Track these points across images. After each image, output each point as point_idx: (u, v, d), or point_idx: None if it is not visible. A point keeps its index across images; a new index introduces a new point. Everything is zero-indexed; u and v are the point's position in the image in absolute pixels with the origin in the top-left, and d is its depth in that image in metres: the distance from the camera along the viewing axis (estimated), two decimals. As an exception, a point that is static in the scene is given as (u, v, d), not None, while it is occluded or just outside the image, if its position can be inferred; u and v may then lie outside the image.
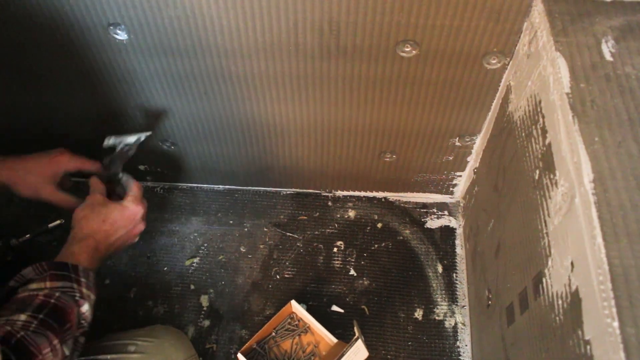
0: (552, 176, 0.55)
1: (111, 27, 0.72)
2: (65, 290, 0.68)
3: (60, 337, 0.64)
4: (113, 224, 0.80)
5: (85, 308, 0.70)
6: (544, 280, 0.56)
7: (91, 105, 0.88)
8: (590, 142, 0.49)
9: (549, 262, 0.55)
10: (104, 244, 0.78)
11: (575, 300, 0.48)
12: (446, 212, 1.09)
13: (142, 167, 1.07)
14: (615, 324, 0.41)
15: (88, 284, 0.72)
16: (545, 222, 0.57)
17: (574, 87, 0.53)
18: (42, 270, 0.68)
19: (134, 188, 0.84)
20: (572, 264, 0.49)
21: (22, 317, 0.62)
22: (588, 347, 0.45)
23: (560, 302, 0.51)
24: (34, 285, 0.66)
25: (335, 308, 0.98)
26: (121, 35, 0.73)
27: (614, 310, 0.41)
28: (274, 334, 0.95)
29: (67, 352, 0.65)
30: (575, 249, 0.48)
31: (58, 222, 0.95)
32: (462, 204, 1.08)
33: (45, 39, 0.74)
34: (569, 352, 0.49)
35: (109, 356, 0.78)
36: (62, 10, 0.70)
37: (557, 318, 0.52)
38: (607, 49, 0.56)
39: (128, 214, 0.82)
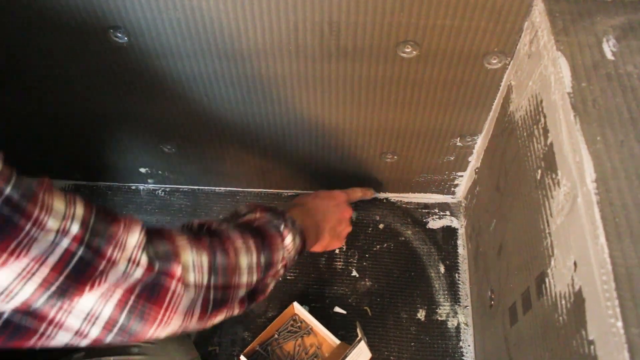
0: (554, 176, 0.55)
1: (111, 31, 0.72)
2: (271, 221, 0.69)
3: (259, 247, 0.64)
4: (326, 205, 0.85)
5: (288, 240, 0.69)
6: (546, 280, 0.56)
7: (92, 108, 0.89)
8: (592, 142, 0.49)
9: (552, 262, 0.55)
10: (317, 216, 0.82)
11: (578, 300, 0.48)
12: (448, 213, 1.09)
13: (143, 170, 1.07)
14: (619, 323, 0.40)
15: (294, 228, 0.71)
16: (547, 222, 0.56)
17: (576, 87, 0.53)
18: (254, 207, 0.71)
19: (359, 189, 0.98)
20: (575, 263, 0.49)
21: (224, 223, 0.65)
22: (592, 347, 0.45)
23: (563, 302, 0.51)
24: (245, 217, 0.70)
25: (337, 309, 0.98)
26: (121, 39, 0.73)
27: (618, 310, 0.41)
28: (276, 336, 0.95)
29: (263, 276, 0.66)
30: (578, 248, 0.48)
31: None
32: (463, 204, 1.08)
33: (46, 42, 0.75)
34: (572, 353, 0.48)
35: (111, 358, 0.78)
36: (63, 14, 0.70)
37: (561, 318, 0.52)
38: (609, 48, 0.56)
39: (341, 206, 0.88)
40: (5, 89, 0.85)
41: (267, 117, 0.88)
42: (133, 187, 1.13)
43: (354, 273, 1.02)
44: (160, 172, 1.07)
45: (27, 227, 0.42)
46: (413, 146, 0.93)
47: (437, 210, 1.09)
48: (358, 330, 0.85)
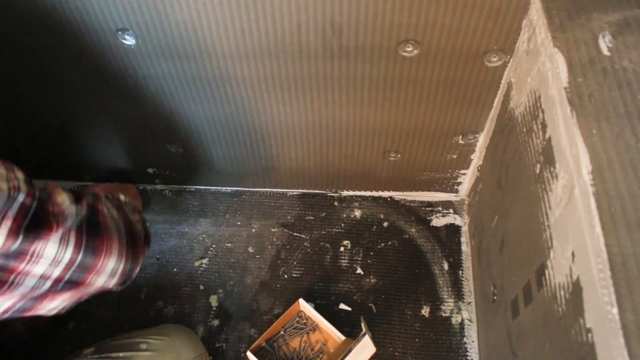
0: (552, 169, 0.56)
1: (119, 33, 0.74)
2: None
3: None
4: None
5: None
6: (546, 272, 0.57)
7: (100, 109, 0.90)
8: (588, 135, 0.50)
9: (551, 254, 0.56)
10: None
11: (576, 290, 0.49)
12: (451, 210, 1.10)
13: (150, 170, 1.09)
14: (615, 310, 0.42)
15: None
16: (546, 214, 0.58)
17: (572, 82, 0.54)
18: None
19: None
20: (572, 254, 0.50)
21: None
22: (589, 334, 0.46)
23: (562, 292, 0.52)
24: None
25: (342, 306, 0.99)
26: (129, 41, 0.75)
27: (614, 297, 0.42)
28: (282, 332, 0.96)
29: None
30: (576, 239, 0.49)
31: None
32: (466, 202, 1.09)
33: (55, 45, 0.76)
34: (571, 341, 0.50)
35: (121, 354, 0.80)
36: (72, 16, 0.72)
37: (560, 308, 0.53)
38: (605, 44, 0.57)
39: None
40: (15, 90, 0.87)
41: (271, 117, 0.89)
42: (141, 188, 1.15)
43: (359, 270, 1.03)
44: (167, 172, 1.09)
45: None
46: (416, 145, 0.95)
47: (440, 208, 1.10)
48: (362, 325, 0.86)
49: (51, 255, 0.58)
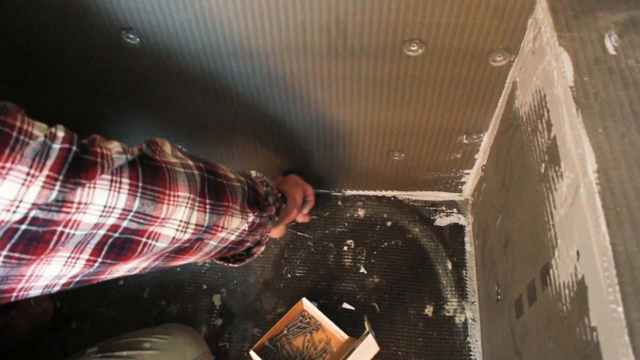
0: (557, 168, 0.56)
1: (124, 32, 0.74)
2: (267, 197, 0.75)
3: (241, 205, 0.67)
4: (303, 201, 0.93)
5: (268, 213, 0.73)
6: (551, 271, 0.57)
7: (105, 108, 0.91)
8: (594, 134, 0.50)
9: (556, 253, 0.56)
10: (291, 210, 0.88)
11: (581, 289, 0.49)
12: (455, 210, 1.10)
13: (154, 169, 1.09)
14: (620, 309, 0.41)
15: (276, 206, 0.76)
16: (551, 214, 0.58)
17: (578, 81, 0.54)
18: (263, 182, 0.77)
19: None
20: (577, 253, 0.50)
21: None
22: (594, 333, 0.46)
23: (567, 291, 0.52)
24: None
25: (346, 306, 0.99)
26: (133, 40, 0.75)
27: (619, 295, 0.42)
28: (285, 331, 0.96)
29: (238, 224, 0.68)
30: (581, 238, 0.49)
31: None
32: (470, 202, 1.09)
33: (59, 44, 0.77)
34: (575, 340, 0.49)
35: (124, 353, 0.80)
36: (76, 16, 0.72)
37: (564, 307, 0.53)
38: (610, 43, 0.57)
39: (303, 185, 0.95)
40: (19, 89, 0.87)
41: (275, 116, 0.89)
42: (144, 187, 1.15)
43: (362, 270, 1.03)
44: (171, 171, 1.09)
45: (15, 134, 0.45)
46: (420, 144, 0.95)
47: (444, 208, 1.10)
48: (366, 324, 0.86)
49: (101, 202, 0.50)
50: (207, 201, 0.60)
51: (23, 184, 0.44)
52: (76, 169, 0.48)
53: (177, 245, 0.59)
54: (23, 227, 0.45)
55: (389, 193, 1.12)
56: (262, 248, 0.77)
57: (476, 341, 0.94)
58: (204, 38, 0.74)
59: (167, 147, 0.60)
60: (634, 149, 0.49)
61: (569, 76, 0.54)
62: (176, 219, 0.56)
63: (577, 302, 0.50)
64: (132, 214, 0.52)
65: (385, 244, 1.06)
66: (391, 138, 0.93)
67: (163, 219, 0.55)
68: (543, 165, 0.61)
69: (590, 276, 0.47)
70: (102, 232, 0.51)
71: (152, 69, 0.80)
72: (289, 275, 1.03)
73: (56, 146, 0.47)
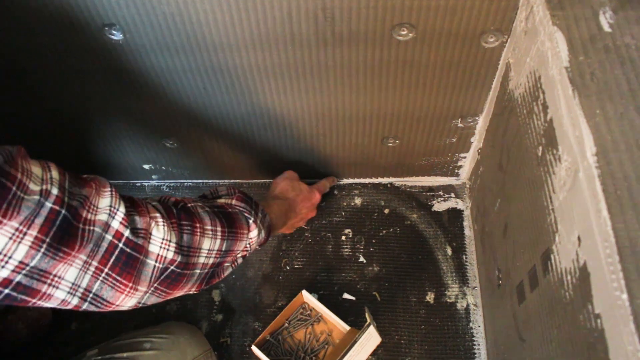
0: (555, 152, 0.54)
1: (106, 28, 0.72)
2: (243, 212, 0.72)
3: (224, 235, 0.67)
4: (303, 199, 0.92)
5: (254, 234, 0.72)
6: (552, 257, 0.56)
7: (91, 106, 0.89)
8: (591, 115, 0.48)
9: (557, 239, 0.54)
10: (291, 212, 0.90)
11: (583, 275, 0.47)
12: (452, 195, 1.08)
13: (146, 167, 1.07)
14: (625, 296, 0.40)
15: (263, 223, 0.76)
16: (550, 198, 0.56)
17: (573, 61, 0.52)
18: (233, 192, 0.75)
19: (325, 181, 1.03)
20: (579, 238, 0.48)
21: (199, 203, 0.68)
22: (598, 320, 0.45)
23: (569, 277, 0.51)
24: (222, 200, 0.73)
25: (346, 296, 0.99)
26: (117, 36, 0.73)
27: (623, 282, 0.41)
28: (286, 324, 0.95)
29: (224, 258, 0.68)
30: (582, 223, 0.48)
31: None
32: (468, 186, 1.08)
33: (42, 42, 0.75)
34: (579, 327, 0.49)
35: (125, 354, 0.79)
36: (57, 13, 0.70)
37: (567, 294, 0.52)
38: (605, 20, 0.55)
39: (313, 198, 0.95)
40: (3, 89, 0.86)
41: (266, 107, 0.88)
42: (138, 184, 1.13)
43: (361, 259, 1.02)
44: (163, 167, 1.08)
45: (14, 189, 0.44)
46: (414, 129, 0.93)
47: (441, 193, 1.09)
48: (367, 315, 0.85)
49: (71, 279, 0.50)
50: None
51: (10, 239, 0.44)
52: (59, 237, 0.48)
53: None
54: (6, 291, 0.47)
55: (385, 180, 1.11)
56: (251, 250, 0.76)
57: (479, 327, 0.94)
58: (188, 31, 0.72)
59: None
60: (632, 130, 0.47)
61: (564, 56, 0.53)
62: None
63: (579, 288, 0.49)
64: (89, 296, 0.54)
65: (384, 231, 1.05)
66: (385, 125, 0.92)
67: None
68: (540, 148, 0.59)
69: (593, 262, 0.46)
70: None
71: (137, 65, 0.79)
72: (288, 268, 1.02)
73: (48, 204, 0.47)
